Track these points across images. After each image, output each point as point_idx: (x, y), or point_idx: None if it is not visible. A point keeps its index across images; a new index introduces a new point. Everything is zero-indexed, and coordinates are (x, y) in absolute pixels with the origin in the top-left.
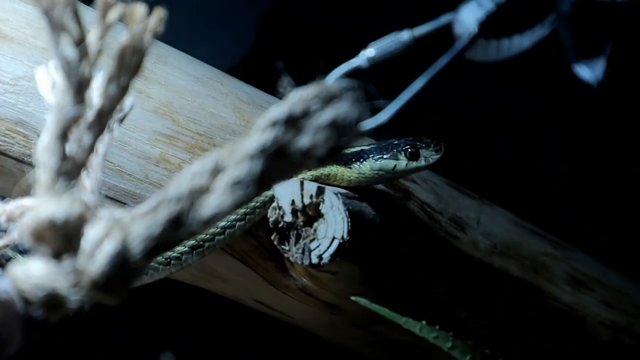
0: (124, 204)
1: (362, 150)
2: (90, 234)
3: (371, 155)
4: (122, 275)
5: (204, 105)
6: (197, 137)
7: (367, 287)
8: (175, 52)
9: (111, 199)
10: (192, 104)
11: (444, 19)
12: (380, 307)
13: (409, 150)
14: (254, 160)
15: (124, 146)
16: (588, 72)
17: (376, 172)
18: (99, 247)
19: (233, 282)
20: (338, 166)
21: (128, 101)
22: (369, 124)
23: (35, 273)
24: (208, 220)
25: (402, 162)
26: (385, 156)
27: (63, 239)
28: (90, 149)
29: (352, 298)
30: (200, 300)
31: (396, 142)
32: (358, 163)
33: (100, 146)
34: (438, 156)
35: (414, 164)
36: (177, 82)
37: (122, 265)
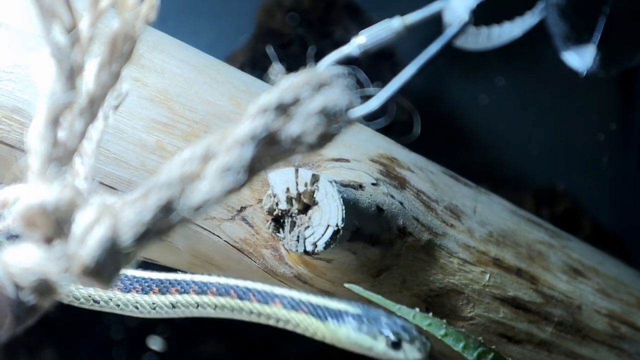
0: (120, 191)
1: (345, 311)
2: (81, 220)
3: (350, 322)
4: (113, 261)
5: (200, 93)
6: (193, 125)
7: (363, 275)
8: (171, 40)
9: (107, 186)
10: (188, 92)
11: (434, 7)
12: (374, 295)
13: (392, 339)
14: (244, 146)
15: (120, 134)
16: (577, 60)
17: (351, 342)
18: (89, 232)
19: (229, 270)
20: (312, 316)
21: (123, 88)
22: (360, 110)
23: (26, 258)
24: (199, 207)
25: (379, 346)
26: (364, 330)
27: (54, 224)
28: (82, 135)
29: (346, 285)
30: None
31: (385, 318)
32: (335, 322)
33: (94, 133)
34: (419, 357)
35: (392, 354)
36: (173, 70)
37: (113, 251)
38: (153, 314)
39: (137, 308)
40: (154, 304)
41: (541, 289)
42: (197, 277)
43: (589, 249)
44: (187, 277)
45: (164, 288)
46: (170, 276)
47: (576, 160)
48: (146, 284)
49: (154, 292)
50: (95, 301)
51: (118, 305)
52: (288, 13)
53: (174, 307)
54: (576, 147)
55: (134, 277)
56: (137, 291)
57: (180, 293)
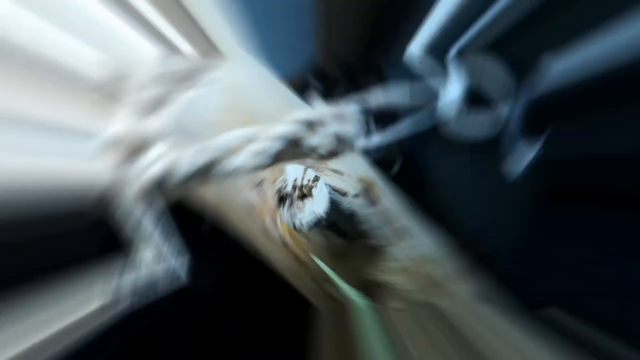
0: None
1: None
2: (150, 154)
3: None
4: (162, 190)
5: (260, 98)
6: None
7: (327, 255)
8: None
9: None
10: (253, 95)
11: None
12: (329, 270)
13: None
14: (276, 140)
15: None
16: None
17: None
18: (151, 165)
19: (239, 220)
20: None
21: None
22: (361, 142)
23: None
24: (229, 174)
25: None
26: None
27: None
28: None
29: (312, 257)
30: None
31: None
32: None
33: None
34: None
35: None
36: (246, 82)
37: (163, 183)
38: None
39: None
40: None
41: None
42: None
43: None
44: None
45: None
46: None
47: None
48: None
49: None
50: None
51: None
52: (338, 64)
53: None
54: None
55: None
56: None
57: None
